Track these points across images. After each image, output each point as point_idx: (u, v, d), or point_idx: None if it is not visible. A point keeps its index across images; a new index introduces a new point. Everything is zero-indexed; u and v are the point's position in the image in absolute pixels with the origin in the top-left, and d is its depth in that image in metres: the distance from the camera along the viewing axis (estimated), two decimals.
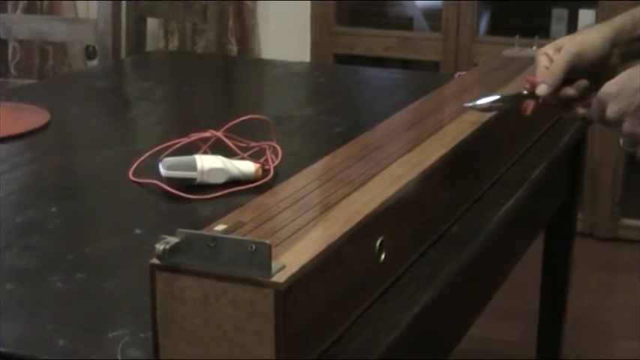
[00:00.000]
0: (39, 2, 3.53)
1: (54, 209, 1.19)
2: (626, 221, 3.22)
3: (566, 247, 1.96)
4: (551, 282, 1.98)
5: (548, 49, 1.26)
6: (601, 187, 3.20)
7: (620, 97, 1.13)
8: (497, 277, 1.43)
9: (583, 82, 1.23)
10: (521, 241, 1.55)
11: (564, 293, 1.99)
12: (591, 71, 1.24)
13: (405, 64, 3.34)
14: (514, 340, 2.50)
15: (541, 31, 1.65)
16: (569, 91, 1.22)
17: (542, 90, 1.22)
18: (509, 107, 1.28)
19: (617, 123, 1.14)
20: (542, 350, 2.03)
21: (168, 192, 1.22)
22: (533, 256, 1.91)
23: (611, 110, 1.14)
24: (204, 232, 0.79)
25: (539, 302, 2.00)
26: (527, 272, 2.04)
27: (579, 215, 3.07)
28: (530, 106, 1.25)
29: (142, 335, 0.85)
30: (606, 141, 3.17)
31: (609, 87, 1.14)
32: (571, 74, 1.22)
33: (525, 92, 1.26)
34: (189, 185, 1.23)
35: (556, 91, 1.22)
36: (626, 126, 1.13)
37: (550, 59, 1.25)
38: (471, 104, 1.26)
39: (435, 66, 3.27)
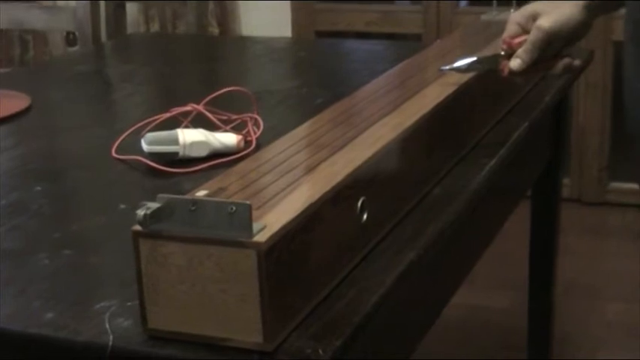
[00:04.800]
0: None
1: (39, 189, 1.19)
2: (615, 185, 3.22)
3: (553, 212, 1.96)
4: (540, 248, 1.98)
5: (521, 17, 1.27)
6: (588, 153, 3.21)
7: None
8: (483, 239, 1.43)
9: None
10: (505, 203, 1.56)
11: (553, 259, 1.99)
12: (568, 43, 1.26)
13: (388, 38, 3.34)
14: (505, 308, 2.51)
15: None
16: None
17: (516, 65, 1.25)
18: (487, 68, 1.29)
19: None
20: (534, 316, 2.04)
21: (151, 167, 1.22)
22: (521, 223, 1.92)
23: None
24: (185, 196, 0.79)
25: (529, 269, 2.01)
26: (515, 240, 2.05)
27: (567, 181, 3.08)
28: (506, 66, 1.26)
29: (129, 304, 0.86)
30: (591, 106, 3.18)
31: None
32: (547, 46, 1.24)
33: (502, 53, 1.27)
34: (172, 160, 1.23)
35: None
36: None
37: (522, 29, 1.26)
38: (448, 67, 1.27)
39: (418, 38, 3.28)
